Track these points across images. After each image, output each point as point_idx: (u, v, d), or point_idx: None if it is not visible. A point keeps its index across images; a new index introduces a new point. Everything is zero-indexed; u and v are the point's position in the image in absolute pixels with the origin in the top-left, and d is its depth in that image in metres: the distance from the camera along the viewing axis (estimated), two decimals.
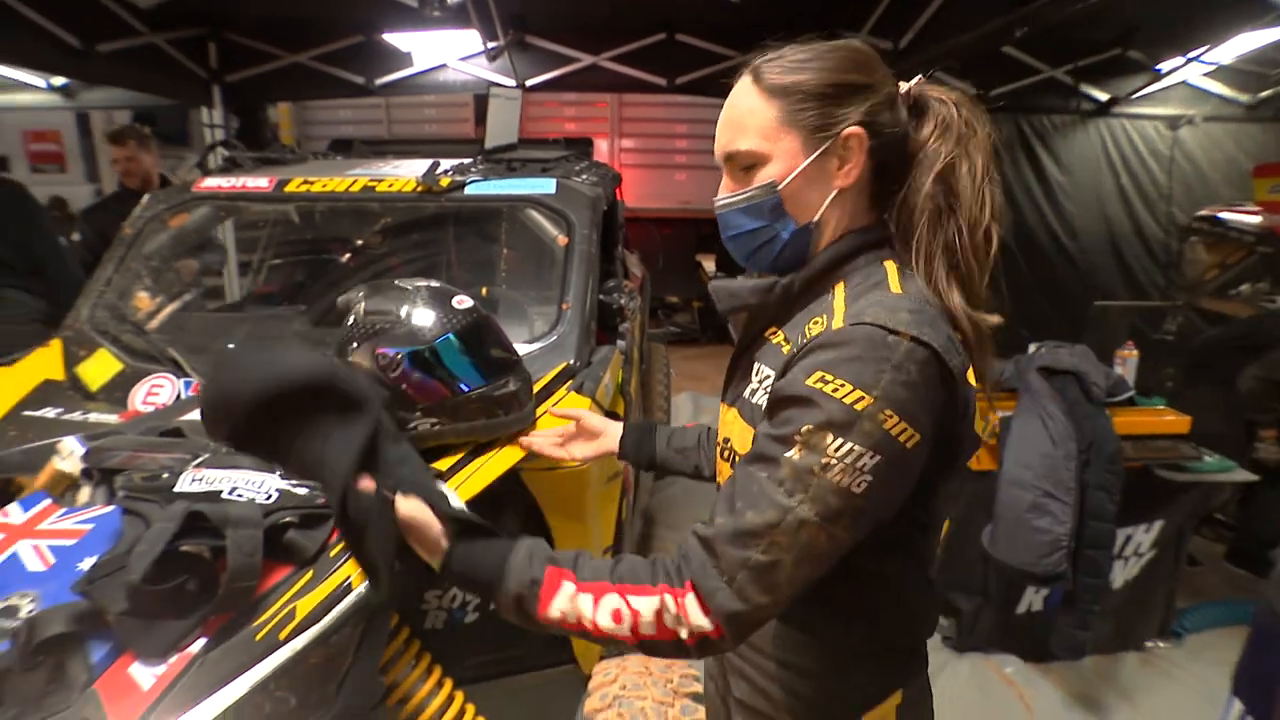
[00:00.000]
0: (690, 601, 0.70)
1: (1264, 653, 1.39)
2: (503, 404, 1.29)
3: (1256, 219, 3.68)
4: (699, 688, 1.24)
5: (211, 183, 2.11)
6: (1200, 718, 2.17)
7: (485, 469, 1.23)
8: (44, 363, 1.76)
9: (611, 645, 0.78)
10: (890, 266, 0.81)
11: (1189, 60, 4.54)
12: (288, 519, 1.03)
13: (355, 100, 6.50)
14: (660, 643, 0.72)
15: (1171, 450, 2.27)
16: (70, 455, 1.32)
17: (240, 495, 1.04)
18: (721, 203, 0.85)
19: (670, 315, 7.32)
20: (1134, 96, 4.96)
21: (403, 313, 1.22)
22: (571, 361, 1.62)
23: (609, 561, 0.77)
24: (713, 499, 0.77)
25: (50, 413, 1.59)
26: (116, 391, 1.70)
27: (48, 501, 1.20)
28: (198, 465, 1.10)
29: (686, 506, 3.47)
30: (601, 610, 0.72)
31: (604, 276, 1.98)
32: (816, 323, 0.76)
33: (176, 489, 1.05)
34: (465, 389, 1.25)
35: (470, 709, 1.24)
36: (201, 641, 0.95)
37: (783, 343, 0.83)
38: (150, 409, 1.64)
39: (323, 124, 7.03)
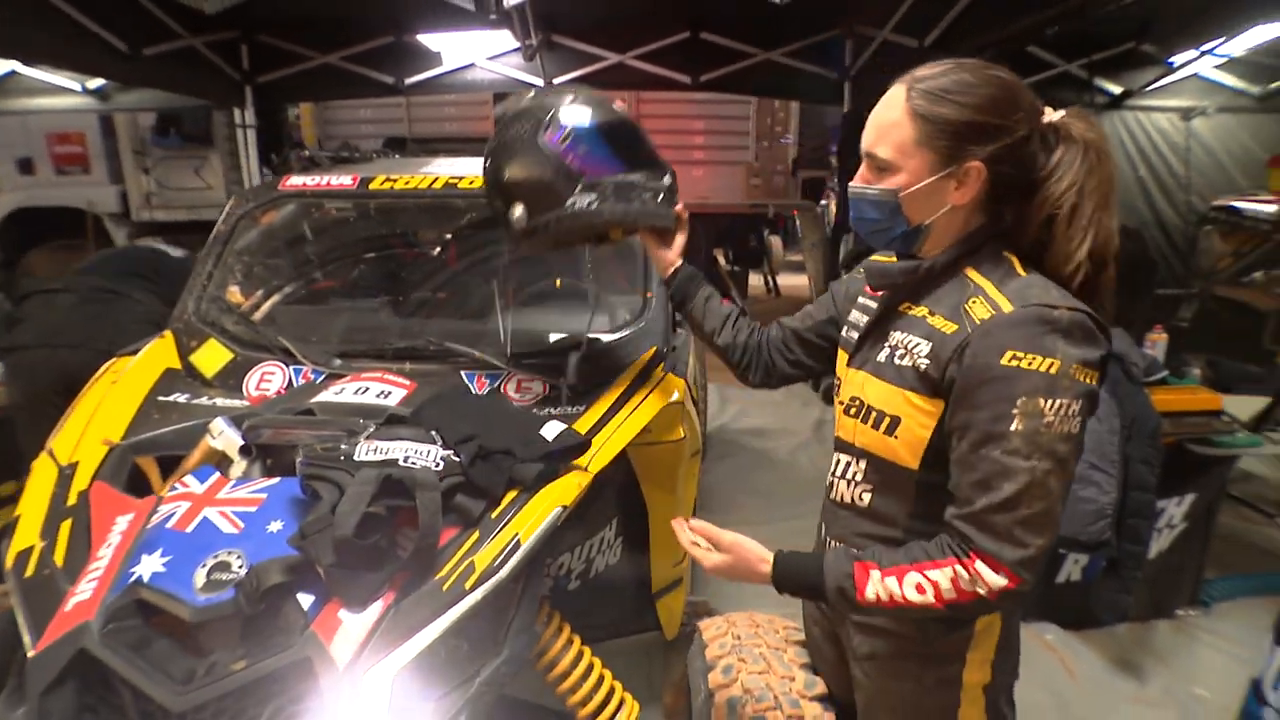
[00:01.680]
0: (981, 567, 0.85)
1: None
2: (653, 194, 1.44)
3: (1272, 207, 3.81)
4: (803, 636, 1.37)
5: (297, 181, 2.22)
6: (1229, 675, 2.30)
7: (615, 439, 1.35)
8: (162, 353, 1.87)
9: (923, 616, 0.93)
10: (1012, 256, 0.95)
11: (1201, 53, 4.66)
12: (455, 483, 1.15)
13: (377, 99, 6.60)
14: (964, 604, 0.87)
15: (1206, 425, 2.40)
16: (221, 434, 1.44)
17: (414, 463, 1.17)
18: (855, 189, 1.00)
19: None
20: (1147, 89, 5.07)
21: (569, 98, 1.38)
22: (660, 346, 1.74)
23: (899, 550, 0.93)
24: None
25: (180, 398, 1.71)
26: (230, 379, 1.82)
27: (217, 475, 1.33)
28: (369, 437, 1.22)
29: (731, 491, 3.61)
30: (906, 586, 0.88)
31: None
32: (977, 303, 0.89)
33: (357, 457, 1.17)
34: (623, 168, 1.40)
35: (597, 662, 1.37)
36: (393, 594, 1.07)
37: (927, 315, 0.95)
38: (264, 393, 1.76)
39: (343, 123, 7.11)
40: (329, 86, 5.36)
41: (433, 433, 1.25)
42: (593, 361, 1.68)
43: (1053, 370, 0.83)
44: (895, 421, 0.95)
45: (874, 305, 1.05)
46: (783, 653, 1.27)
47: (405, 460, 1.16)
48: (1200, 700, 2.27)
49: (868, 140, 0.97)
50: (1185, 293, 4.39)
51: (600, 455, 1.33)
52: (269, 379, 1.81)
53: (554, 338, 1.76)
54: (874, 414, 0.98)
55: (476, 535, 1.14)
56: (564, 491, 1.22)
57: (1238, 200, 4.18)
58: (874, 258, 1.09)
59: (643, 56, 5.01)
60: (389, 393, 1.55)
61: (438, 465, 1.18)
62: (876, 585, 0.90)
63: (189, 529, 1.18)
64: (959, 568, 0.87)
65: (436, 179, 2.14)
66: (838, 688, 1.21)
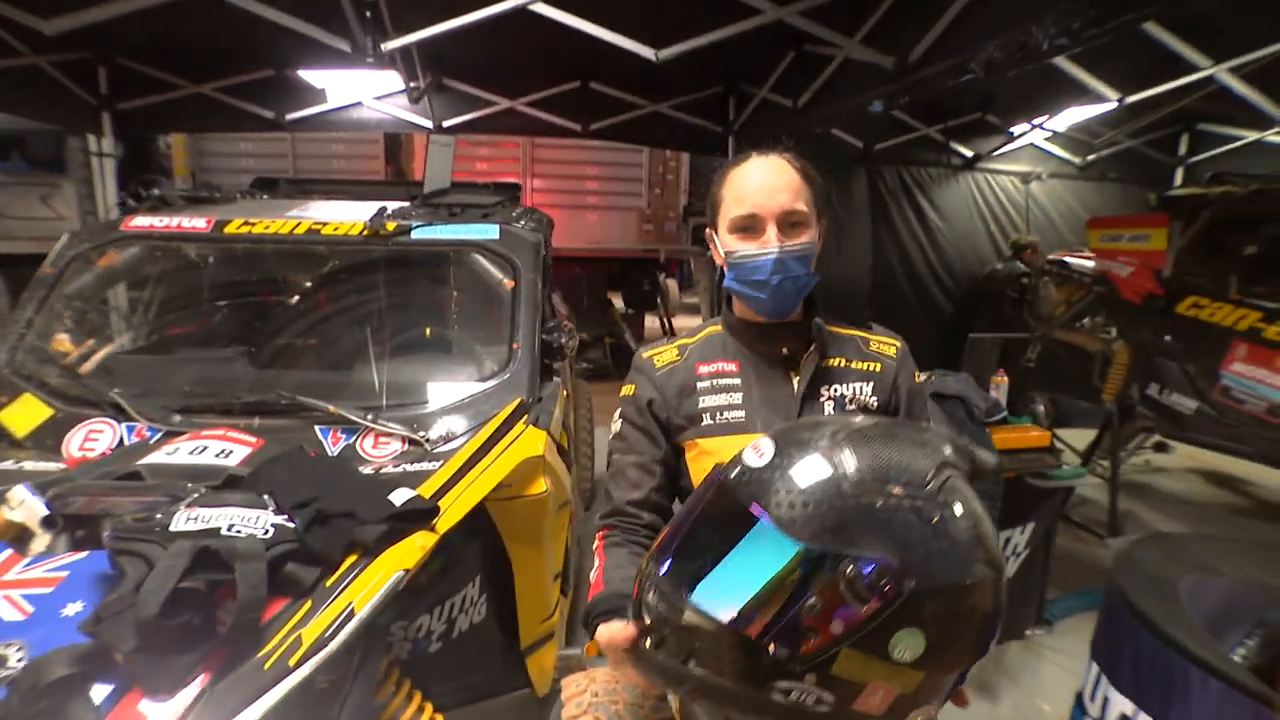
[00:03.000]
0: None
1: (1112, 623, 1.69)
2: None
3: (1091, 263, 4.33)
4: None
5: (142, 221, 2.08)
6: (1066, 688, 2.50)
7: (465, 496, 1.32)
8: None
9: None
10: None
11: (1033, 126, 5.29)
12: (286, 551, 1.08)
13: (257, 134, 6.30)
14: None
15: (1038, 461, 2.65)
16: (21, 504, 1.29)
17: (239, 531, 1.09)
18: (789, 248, 1.04)
19: (583, 351, 7.48)
20: (993, 154, 5.70)
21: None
22: (525, 398, 1.74)
23: None
24: None
25: None
26: (47, 439, 1.65)
27: (9, 551, 1.19)
28: (190, 505, 1.13)
29: None
30: None
31: (543, 317, 2.11)
32: (875, 342, 1.16)
33: (173, 528, 1.08)
34: None
35: None
36: (207, 676, 0.99)
37: (847, 364, 1.11)
38: (88, 454, 1.61)
39: (221, 156, 6.73)
40: (203, 118, 5.07)
41: (266, 497, 1.18)
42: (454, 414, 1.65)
43: (919, 378, 1.19)
44: None
45: (749, 375, 1.11)
46: (639, 709, 1.26)
47: (229, 529, 1.09)
48: (1042, 714, 2.46)
49: (782, 201, 1.04)
50: (1029, 336, 4.88)
51: (450, 514, 1.29)
52: (95, 438, 1.66)
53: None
54: None
55: (308, 605, 1.08)
56: (405, 554, 1.17)
57: (1066, 255, 4.72)
58: (681, 341, 1.18)
59: (533, 103, 5.09)
60: (230, 451, 1.46)
61: (267, 532, 1.11)
62: None
63: None
64: None
65: (300, 223, 2.07)
66: None
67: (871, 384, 1.10)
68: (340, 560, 1.14)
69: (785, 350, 1.11)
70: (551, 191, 7.01)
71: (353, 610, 1.06)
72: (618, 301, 7.49)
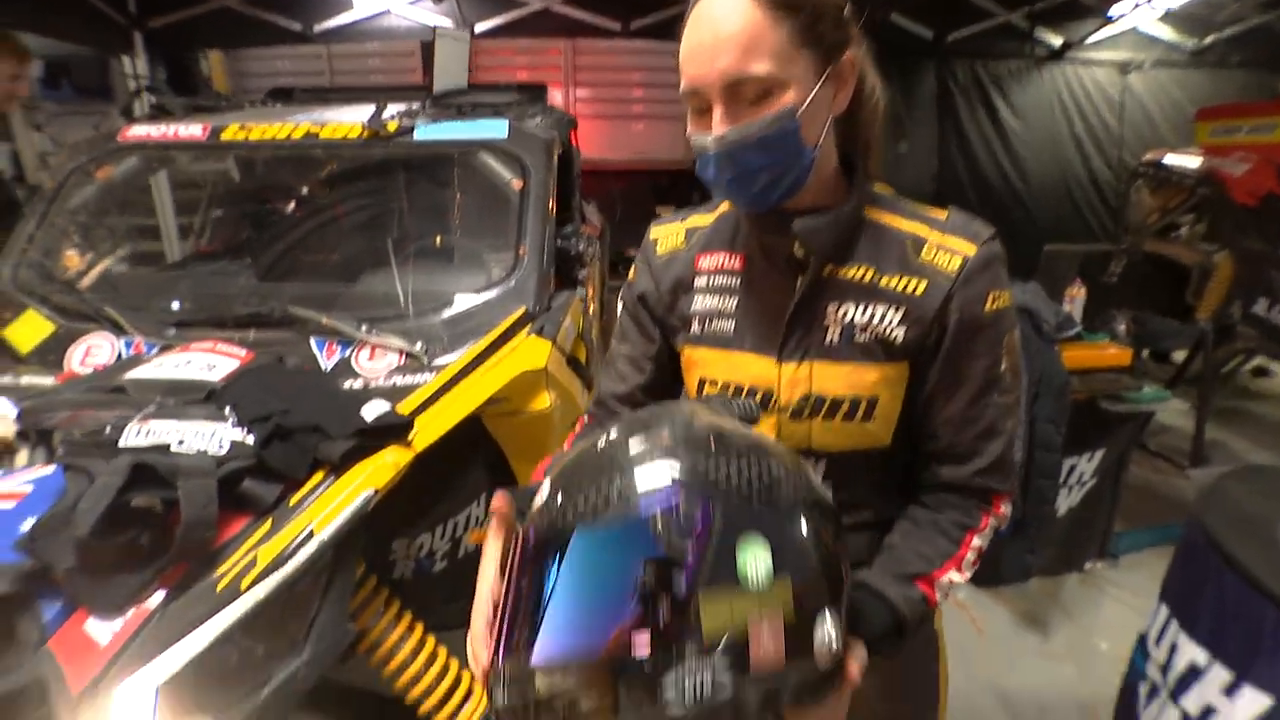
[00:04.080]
0: (1005, 508, 0.85)
1: (1190, 562, 1.49)
2: None
3: (1197, 162, 3.80)
4: None
5: (139, 131, 1.99)
6: (1128, 627, 2.32)
7: (446, 413, 1.21)
8: None
9: None
10: (883, 185, 0.87)
11: (1138, 4, 4.60)
12: (241, 467, 1.00)
13: (294, 49, 6.14)
14: (987, 549, 0.85)
15: (1115, 383, 2.37)
16: (2, 418, 1.26)
17: (190, 447, 1.01)
18: (734, 136, 0.74)
19: (629, 268, 7.26)
20: (1086, 42, 5.01)
21: None
22: (530, 306, 1.60)
23: (926, 532, 0.84)
24: None
25: None
26: (50, 354, 1.62)
27: None
28: (144, 418, 1.06)
29: None
30: (965, 569, 0.83)
31: (561, 222, 1.94)
32: (933, 251, 0.82)
33: (122, 443, 1.01)
34: None
35: (443, 652, 1.25)
36: (160, 595, 0.93)
37: (875, 279, 0.82)
38: (89, 370, 1.57)
39: (259, 75, 6.62)
40: (232, 33, 4.95)
41: (227, 410, 1.09)
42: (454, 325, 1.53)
43: (1009, 301, 0.83)
44: (872, 404, 0.83)
45: (751, 275, 0.87)
46: None
47: (180, 444, 1.00)
48: (1099, 652, 2.29)
49: (724, 66, 0.72)
50: (1114, 249, 4.40)
51: (430, 429, 1.18)
52: (95, 353, 1.61)
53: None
54: (842, 406, 0.84)
55: (268, 525, 1.00)
56: (376, 473, 1.07)
57: (1166, 155, 4.16)
58: (693, 219, 0.95)
59: (568, 1, 4.73)
60: (215, 365, 1.38)
61: (222, 447, 1.02)
62: (942, 589, 0.82)
63: None
64: (992, 520, 0.85)
65: (296, 128, 1.93)
66: None
67: (903, 311, 0.81)
68: (305, 478, 1.06)
69: (797, 248, 0.82)
70: (595, 101, 6.66)
71: (312, 531, 0.98)
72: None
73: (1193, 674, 1.40)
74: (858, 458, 0.86)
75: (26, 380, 1.50)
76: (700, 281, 0.91)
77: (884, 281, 0.82)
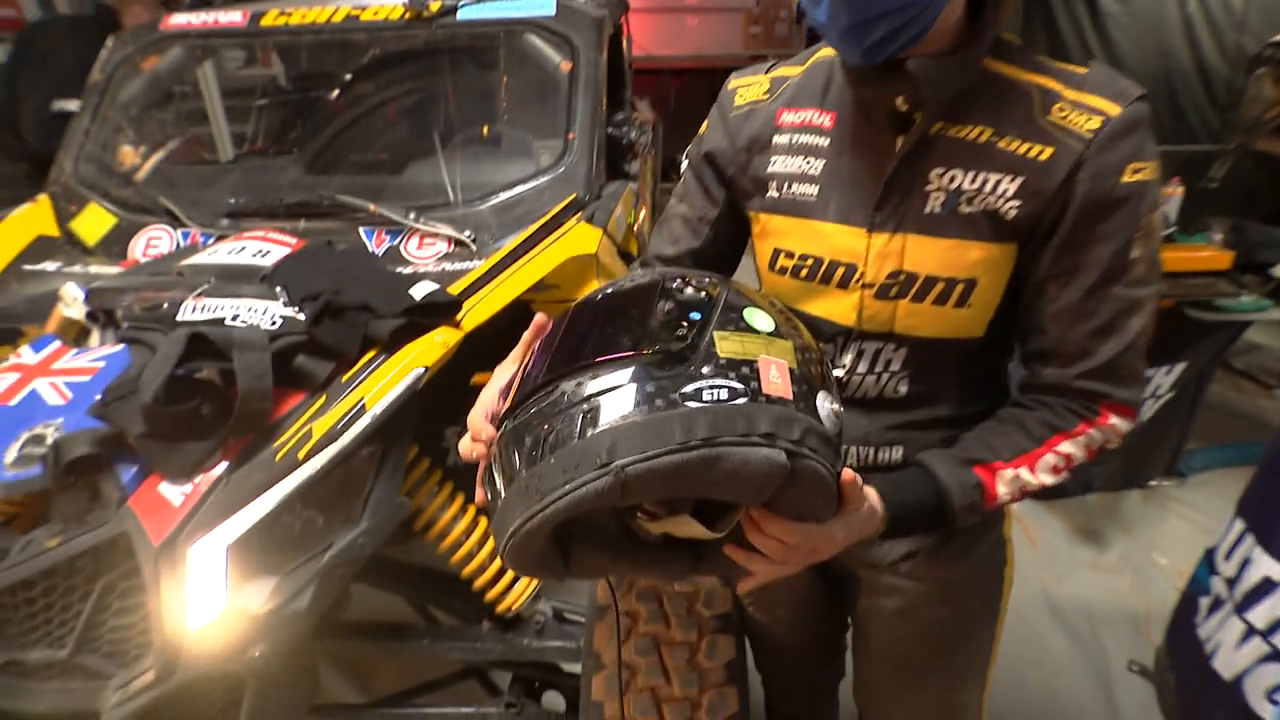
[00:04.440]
0: (1115, 420, 0.75)
1: (1273, 480, 1.39)
2: None
3: None
4: None
5: (180, 20, 1.94)
6: (1191, 543, 2.24)
7: (495, 296, 1.19)
8: (35, 219, 1.70)
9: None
10: (1010, 35, 0.75)
11: None
12: (294, 342, 1.00)
13: None
14: (1086, 466, 0.76)
15: (1209, 288, 2.18)
16: (74, 301, 1.29)
17: (243, 321, 1.02)
18: None
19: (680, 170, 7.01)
20: None
21: None
22: (580, 193, 1.54)
23: (1004, 427, 0.76)
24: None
25: (50, 267, 1.56)
26: (114, 245, 1.66)
27: (57, 344, 1.19)
28: (199, 295, 1.07)
29: None
30: (1041, 470, 0.74)
31: (612, 109, 1.84)
32: (1066, 111, 0.69)
33: (179, 318, 1.02)
34: None
35: None
36: (224, 464, 0.96)
37: (993, 139, 0.71)
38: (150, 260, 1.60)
39: None
40: None
41: (278, 289, 1.09)
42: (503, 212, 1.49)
43: (1154, 174, 0.69)
44: (969, 287, 0.74)
45: (842, 134, 0.78)
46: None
47: (234, 319, 1.01)
48: (1156, 566, 2.23)
49: None
50: (1219, 149, 3.98)
51: (478, 311, 1.17)
52: (155, 244, 1.64)
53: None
54: (935, 286, 0.75)
55: (323, 400, 1.01)
56: (426, 352, 1.07)
57: None
58: (781, 70, 0.84)
59: None
60: (267, 252, 1.38)
61: (274, 323, 1.02)
62: (1008, 484, 0.74)
63: (13, 401, 1.06)
64: (1093, 430, 0.74)
65: (336, 10, 1.85)
66: (787, 609, 1.09)
67: (1020, 180, 0.70)
68: (356, 355, 1.06)
69: (902, 102, 0.72)
70: None
71: (364, 406, 0.99)
72: None
73: (1265, 588, 1.34)
74: (944, 347, 0.79)
75: (95, 270, 1.55)
76: (781, 140, 0.82)
77: (1003, 143, 0.71)
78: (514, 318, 1.23)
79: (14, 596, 0.96)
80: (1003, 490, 0.74)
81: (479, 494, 0.66)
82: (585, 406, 0.55)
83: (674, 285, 0.63)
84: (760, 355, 0.58)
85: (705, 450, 0.53)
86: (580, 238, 1.39)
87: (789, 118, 0.82)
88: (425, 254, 1.49)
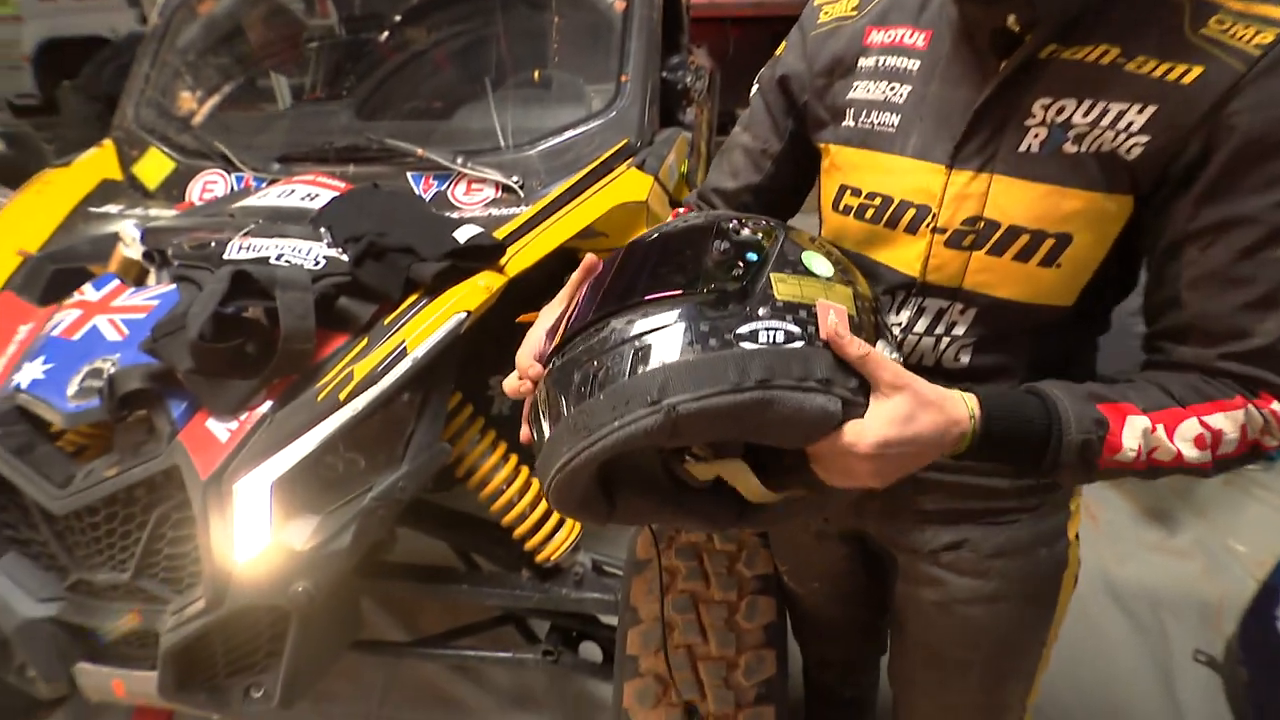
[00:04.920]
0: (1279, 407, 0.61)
1: None
2: None
3: None
4: None
5: None
6: (1276, 532, 2.09)
7: (540, 241, 1.15)
8: (100, 163, 1.75)
9: (1166, 475, 0.64)
10: None
11: None
12: (337, 283, 0.99)
13: None
14: (1235, 458, 0.62)
15: None
16: (133, 242, 1.32)
17: (287, 261, 1.01)
18: None
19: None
20: None
21: None
22: (632, 139, 1.48)
23: (1138, 382, 0.64)
24: None
25: (113, 209, 1.60)
26: (173, 189, 1.69)
27: (116, 282, 1.22)
28: (245, 234, 1.07)
29: None
30: (1182, 437, 0.60)
31: (667, 53, 1.76)
32: (1225, 24, 0.56)
33: (225, 256, 1.03)
34: None
35: (535, 482, 1.27)
36: (269, 403, 0.97)
37: (1120, 60, 0.59)
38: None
39: None
40: None
41: (322, 230, 1.08)
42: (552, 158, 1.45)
43: None
44: (1062, 244, 0.63)
45: (936, 57, 0.68)
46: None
47: (278, 258, 1.01)
48: (1233, 553, 2.09)
49: None
50: None
51: (523, 256, 1.14)
52: (211, 188, 1.66)
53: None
54: (1020, 238, 0.65)
55: (365, 342, 1.01)
56: (469, 296, 1.05)
57: None
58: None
59: None
60: (316, 195, 1.38)
61: (318, 264, 1.02)
62: (1138, 435, 0.60)
63: (76, 336, 1.09)
64: (1251, 409, 0.61)
65: None
66: (821, 583, 1.05)
67: (1151, 111, 0.58)
68: (399, 298, 1.05)
69: (1014, 20, 0.61)
70: None
71: (404, 349, 0.97)
72: None
73: None
74: (1021, 314, 0.68)
75: (154, 213, 1.58)
76: (867, 62, 0.73)
77: (1132, 65, 0.58)
78: (560, 265, 1.20)
79: (80, 521, 1.00)
80: (1129, 442, 0.59)
81: (524, 432, 0.64)
82: (636, 344, 0.53)
83: (730, 226, 0.60)
84: (819, 299, 0.55)
85: (759, 393, 0.51)
86: (630, 184, 1.33)
87: (877, 37, 0.73)
88: (472, 200, 1.46)
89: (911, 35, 0.70)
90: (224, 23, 1.97)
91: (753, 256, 0.57)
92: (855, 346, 0.55)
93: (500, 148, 1.54)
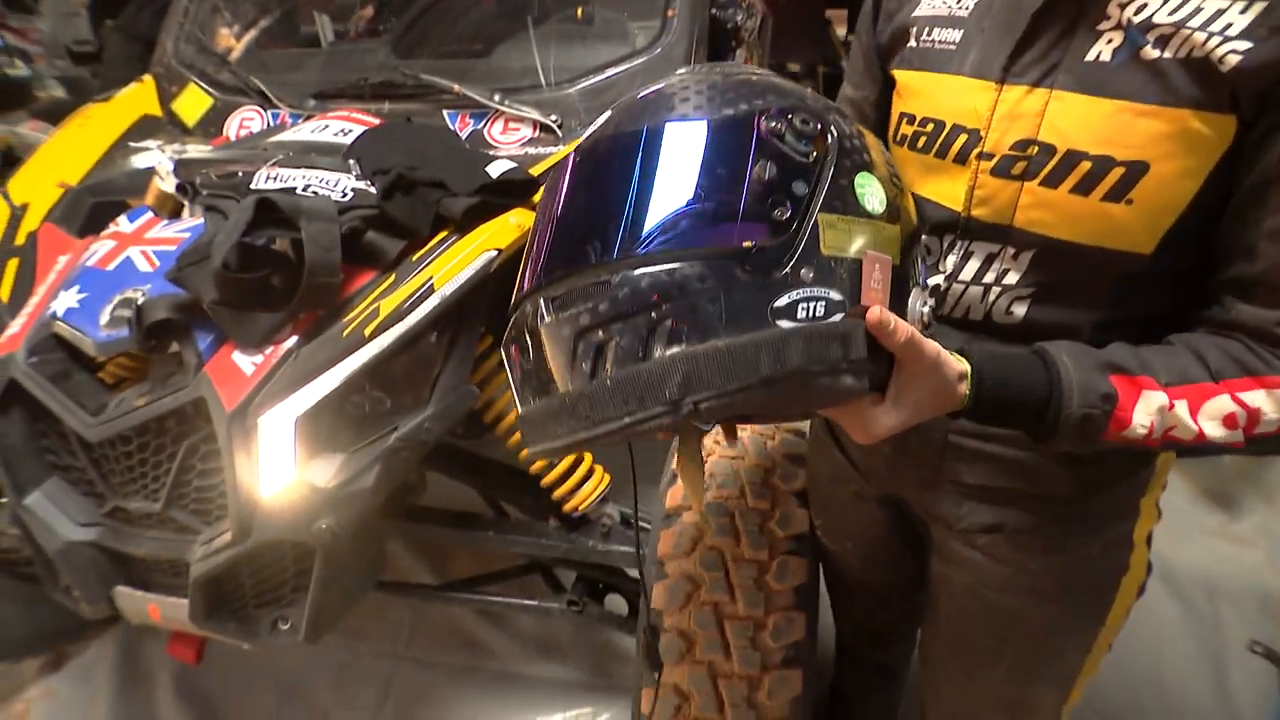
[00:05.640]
0: None
1: None
2: None
3: None
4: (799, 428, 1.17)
5: None
6: None
7: None
8: (140, 99, 1.74)
9: (1195, 453, 0.60)
10: None
11: None
12: (364, 216, 0.96)
13: None
14: (1274, 438, 0.57)
15: None
16: (167, 175, 1.31)
17: (314, 192, 0.98)
18: None
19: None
20: None
21: None
22: None
23: (1173, 349, 0.58)
24: None
25: (152, 144, 1.59)
26: (211, 126, 1.68)
27: (150, 214, 1.22)
28: (272, 165, 1.04)
29: None
30: (1206, 416, 0.55)
31: None
32: None
33: (252, 185, 1.00)
34: None
35: None
36: (294, 338, 0.95)
37: None
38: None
39: None
40: None
41: (351, 162, 1.04)
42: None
43: None
44: (1135, 172, 0.54)
45: None
46: (771, 473, 1.09)
47: (305, 189, 0.97)
48: None
49: None
50: None
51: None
52: (248, 124, 1.64)
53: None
54: (1079, 165, 0.56)
55: (392, 279, 0.97)
56: (499, 234, 1.00)
57: None
58: None
59: None
60: (350, 131, 1.34)
61: (345, 196, 0.98)
62: (1151, 412, 0.55)
63: (110, 267, 1.09)
64: None
65: None
66: (855, 544, 1.00)
67: (1257, 10, 0.49)
68: (428, 233, 1.01)
69: None
70: None
71: (433, 286, 0.94)
72: (840, 26, 6.24)
73: None
74: (1084, 261, 0.59)
75: (192, 149, 1.57)
76: None
77: None
78: None
79: (114, 449, 1.01)
80: (1140, 419, 0.55)
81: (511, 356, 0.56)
82: (654, 315, 0.45)
83: (776, 126, 0.49)
84: (867, 250, 0.49)
85: (792, 385, 0.45)
86: None
87: None
88: (509, 139, 1.41)
89: None
90: None
91: (800, 187, 0.48)
92: (899, 335, 0.49)
93: (539, 85, 1.48)
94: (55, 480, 1.09)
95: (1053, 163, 0.57)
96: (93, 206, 1.37)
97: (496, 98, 1.43)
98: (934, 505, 0.79)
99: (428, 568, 1.84)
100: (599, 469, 1.27)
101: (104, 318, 1.00)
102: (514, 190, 1.04)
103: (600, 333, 0.47)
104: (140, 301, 0.98)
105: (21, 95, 4.63)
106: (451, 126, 1.46)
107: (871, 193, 0.51)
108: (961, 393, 0.55)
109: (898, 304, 0.51)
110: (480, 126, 1.44)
